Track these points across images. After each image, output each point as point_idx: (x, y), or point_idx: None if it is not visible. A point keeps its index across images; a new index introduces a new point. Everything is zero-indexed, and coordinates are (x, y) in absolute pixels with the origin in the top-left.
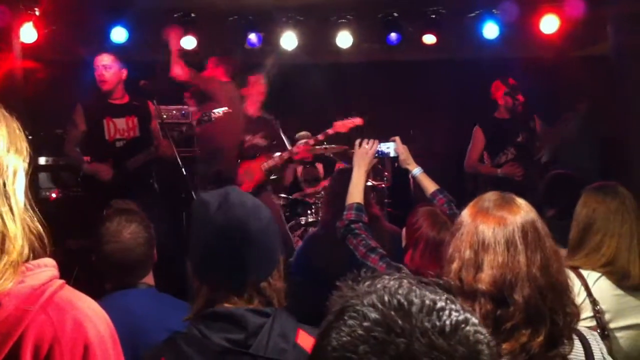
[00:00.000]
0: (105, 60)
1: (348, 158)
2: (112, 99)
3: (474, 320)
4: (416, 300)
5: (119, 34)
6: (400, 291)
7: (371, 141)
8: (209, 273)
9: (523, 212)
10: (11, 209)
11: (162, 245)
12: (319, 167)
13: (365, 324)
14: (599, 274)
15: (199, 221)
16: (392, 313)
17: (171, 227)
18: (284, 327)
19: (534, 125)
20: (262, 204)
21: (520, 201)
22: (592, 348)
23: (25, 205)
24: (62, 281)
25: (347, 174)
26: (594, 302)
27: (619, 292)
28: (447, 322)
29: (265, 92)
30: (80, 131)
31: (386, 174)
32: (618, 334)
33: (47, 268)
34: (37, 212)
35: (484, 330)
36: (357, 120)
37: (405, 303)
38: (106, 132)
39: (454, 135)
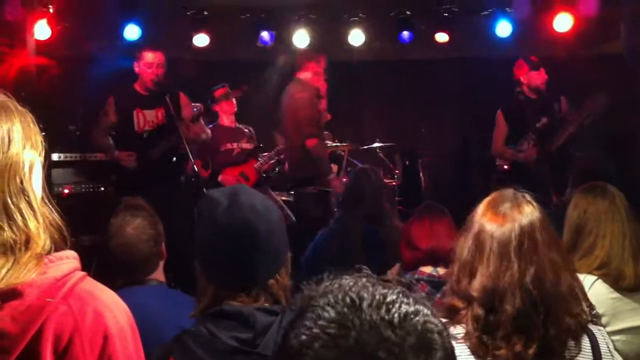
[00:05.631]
0: (160, 59)
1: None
2: (143, 91)
3: (426, 311)
4: (367, 296)
5: (131, 31)
6: (353, 288)
7: None
8: (216, 272)
9: (525, 216)
10: (30, 205)
11: (184, 240)
12: (334, 168)
13: (320, 322)
14: (594, 278)
15: (208, 219)
16: (345, 310)
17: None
18: None
19: (558, 108)
20: (272, 205)
21: (527, 204)
22: (599, 342)
23: (43, 198)
24: (83, 273)
25: (363, 174)
26: (590, 307)
27: (615, 295)
28: (396, 314)
29: (235, 106)
30: (110, 120)
31: (397, 172)
32: (615, 338)
33: (68, 260)
34: (55, 205)
35: (436, 320)
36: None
37: (357, 299)
38: (135, 124)
39: (465, 134)
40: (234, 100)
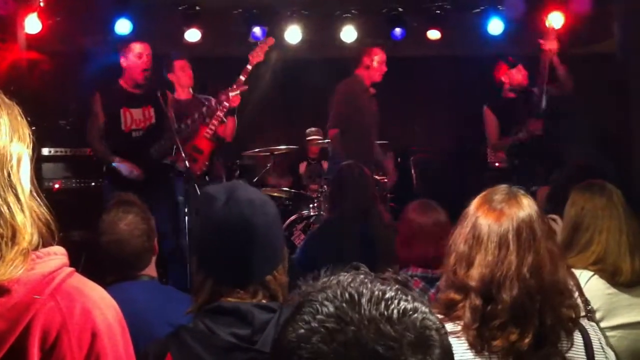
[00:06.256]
0: (148, 50)
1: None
2: (131, 88)
3: (424, 309)
4: (366, 292)
5: (123, 26)
6: (352, 284)
7: None
8: (214, 267)
9: (523, 209)
10: (18, 199)
11: (173, 235)
12: (324, 164)
13: (319, 316)
14: (591, 273)
15: (205, 215)
16: (344, 305)
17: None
18: None
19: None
20: (268, 199)
21: (524, 198)
22: (591, 338)
23: (31, 192)
24: (71, 269)
25: (351, 169)
26: (585, 302)
27: (611, 290)
28: (395, 311)
29: (192, 77)
30: (101, 122)
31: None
32: (609, 333)
33: (56, 256)
34: (44, 199)
35: (433, 318)
36: (270, 41)
37: (356, 295)
38: (123, 123)
39: (458, 131)
40: (191, 71)
